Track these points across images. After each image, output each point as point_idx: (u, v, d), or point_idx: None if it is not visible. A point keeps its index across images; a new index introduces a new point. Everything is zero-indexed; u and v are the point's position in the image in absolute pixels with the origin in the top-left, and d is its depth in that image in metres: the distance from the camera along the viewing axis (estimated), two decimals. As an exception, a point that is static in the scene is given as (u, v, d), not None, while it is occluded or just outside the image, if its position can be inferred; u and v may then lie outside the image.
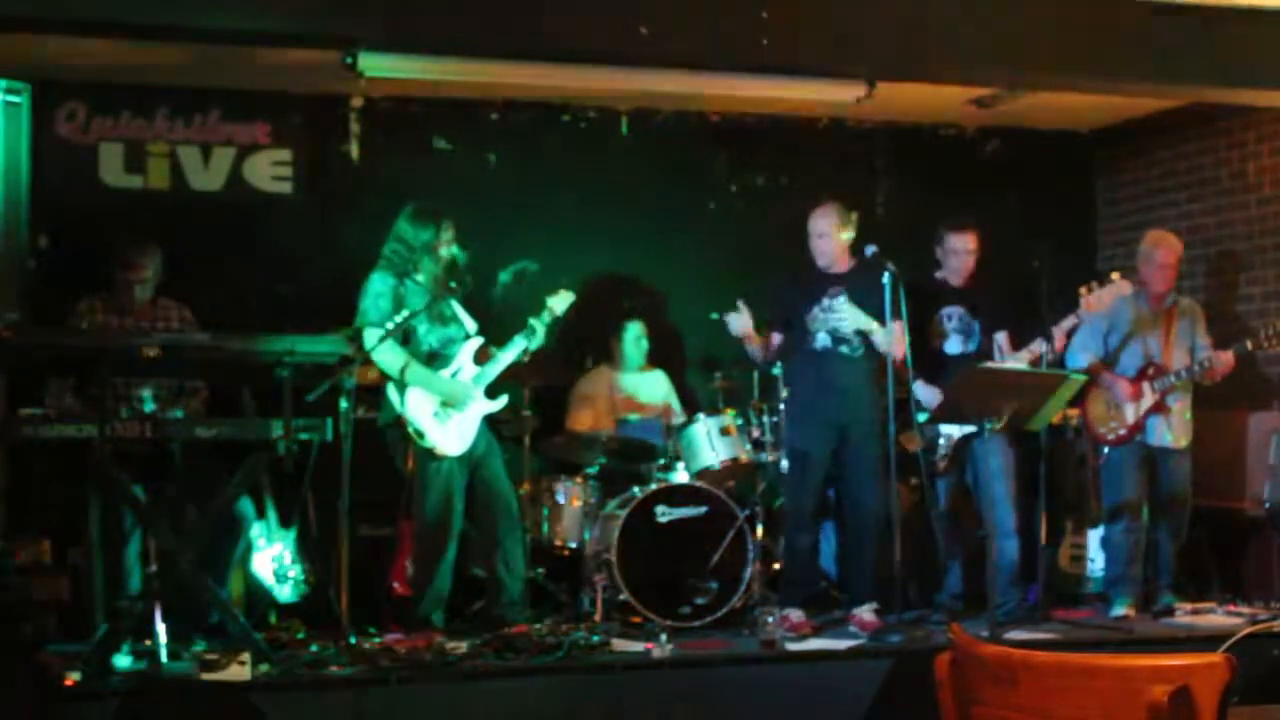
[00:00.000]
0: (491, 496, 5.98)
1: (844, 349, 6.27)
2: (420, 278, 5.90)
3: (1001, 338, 6.53)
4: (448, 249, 5.93)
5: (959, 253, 6.52)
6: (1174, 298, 6.71)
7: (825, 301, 6.27)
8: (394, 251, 5.91)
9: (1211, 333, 6.74)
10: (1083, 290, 6.22)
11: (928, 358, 6.35)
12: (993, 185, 8.12)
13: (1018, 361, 6.33)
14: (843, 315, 6.18)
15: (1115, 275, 6.30)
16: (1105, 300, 6.24)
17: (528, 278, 7.09)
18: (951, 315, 6.52)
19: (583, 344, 7.39)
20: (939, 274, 6.60)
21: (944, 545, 6.49)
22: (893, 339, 6.10)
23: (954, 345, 6.50)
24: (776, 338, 6.44)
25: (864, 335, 6.23)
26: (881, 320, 6.13)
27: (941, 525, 6.47)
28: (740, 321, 6.31)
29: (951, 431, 6.33)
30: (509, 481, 6.07)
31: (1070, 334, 6.44)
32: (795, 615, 6.12)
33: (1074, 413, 7.02)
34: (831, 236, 6.29)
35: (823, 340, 6.29)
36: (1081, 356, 6.58)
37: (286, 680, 5.05)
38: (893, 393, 6.10)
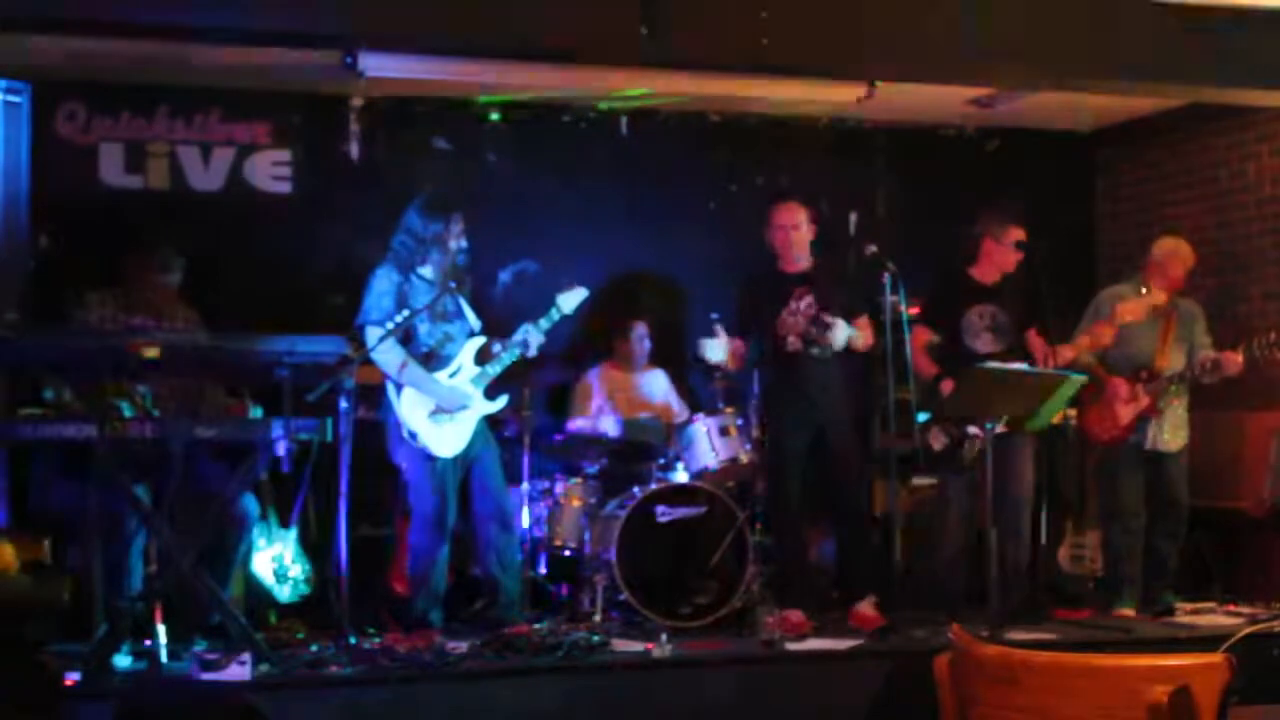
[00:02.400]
0: (487, 496, 5.97)
1: (814, 350, 6.27)
2: (426, 271, 5.88)
3: (1031, 335, 6.52)
4: (456, 242, 5.92)
5: (1016, 249, 6.48)
6: (1175, 300, 6.70)
7: (793, 304, 6.27)
8: (402, 244, 5.89)
9: (1211, 333, 6.73)
10: (1119, 301, 6.27)
11: (959, 356, 6.34)
12: (993, 185, 8.11)
13: (1056, 361, 6.31)
14: (838, 336, 6.17)
15: (1150, 286, 6.33)
16: (1139, 312, 6.28)
17: (528, 278, 7.10)
18: (984, 314, 6.49)
19: (583, 343, 7.38)
20: (971, 270, 6.57)
21: (957, 543, 6.49)
22: (862, 335, 6.13)
23: (986, 344, 6.47)
24: (739, 344, 6.43)
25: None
26: (850, 318, 6.13)
27: (959, 524, 6.45)
28: (720, 348, 6.29)
29: (977, 430, 6.29)
30: (505, 481, 6.07)
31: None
32: (795, 615, 6.12)
33: (1071, 413, 7.01)
34: (801, 231, 6.30)
35: (791, 343, 6.29)
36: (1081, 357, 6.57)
37: (286, 680, 5.05)
38: (894, 392, 6.09)
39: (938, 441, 6.33)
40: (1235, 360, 6.41)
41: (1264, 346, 6.35)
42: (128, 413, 5.47)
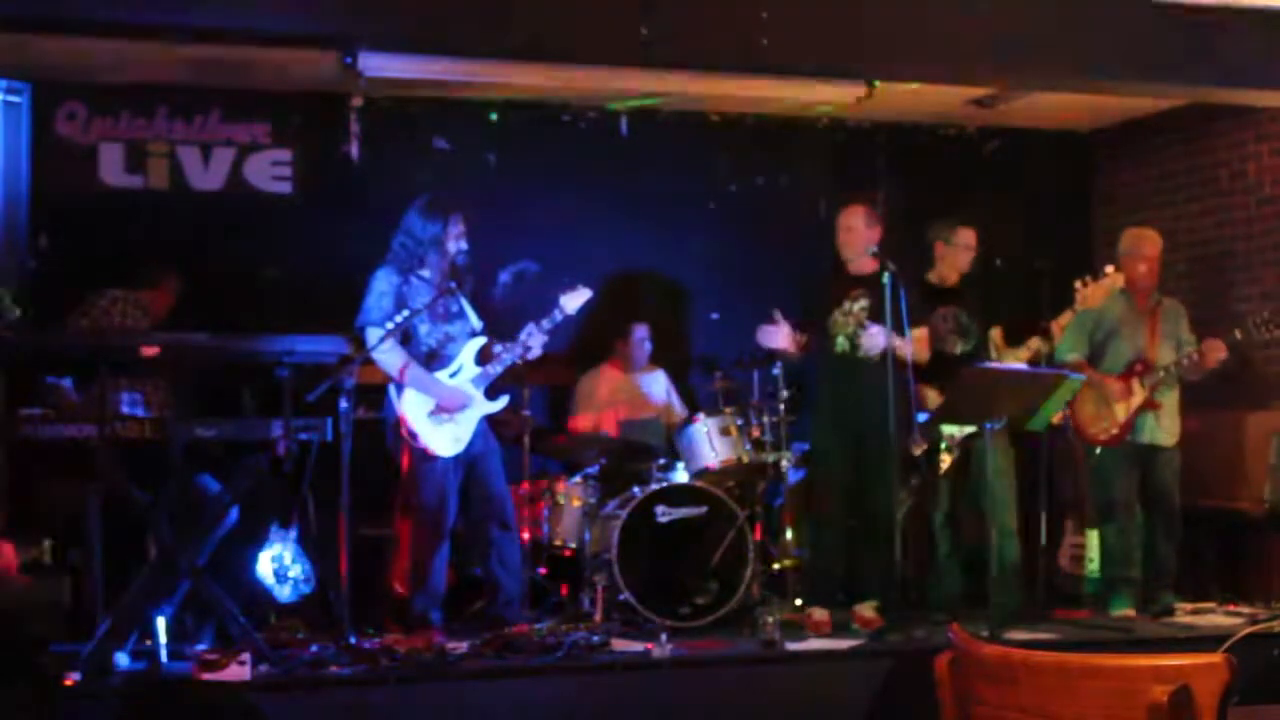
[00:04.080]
0: (487, 496, 5.97)
1: (859, 353, 6.26)
2: (426, 273, 5.89)
3: (995, 334, 6.53)
4: (455, 244, 5.92)
5: (968, 249, 6.51)
6: (1157, 296, 6.73)
7: (846, 305, 6.25)
8: (402, 245, 5.89)
9: (1207, 333, 6.74)
10: (1078, 284, 6.23)
11: (930, 359, 6.36)
12: (993, 185, 8.12)
13: (1014, 358, 6.33)
14: (876, 341, 6.14)
15: (1110, 269, 6.31)
16: (1099, 295, 6.26)
17: (528, 278, 7.09)
18: (946, 316, 6.51)
19: (584, 344, 7.38)
20: (930, 275, 6.59)
21: (945, 545, 6.51)
22: (916, 347, 6.07)
23: (952, 345, 6.48)
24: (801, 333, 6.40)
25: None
26: (899, 324, 6.09)
27: (943, 525, 6.48)
28: (779, 336, 6.22)
29: (954, 431, 6.32)
30: (505, 481, 6.07)
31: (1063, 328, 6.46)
32: (818, 613, 6.13)
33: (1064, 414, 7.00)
34: (858, 233, 6.27)
35: (840, 344, 6.28)
36: (1068, 356, 6.58)
37: (286, 680, 5.05)
38: (894, 395, 6.08)
39: (918, 446, 6.33)
40: (1216, 345, 6.44)
41: (1259, 325, 6.40)
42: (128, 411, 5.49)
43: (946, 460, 6.36)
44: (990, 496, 6.19)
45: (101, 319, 6.09)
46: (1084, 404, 6.65)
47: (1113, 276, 6.24)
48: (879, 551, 6.23)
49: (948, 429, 6.30)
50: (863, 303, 6.21)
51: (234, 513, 5.78)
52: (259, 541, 6.07)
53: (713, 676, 5.46)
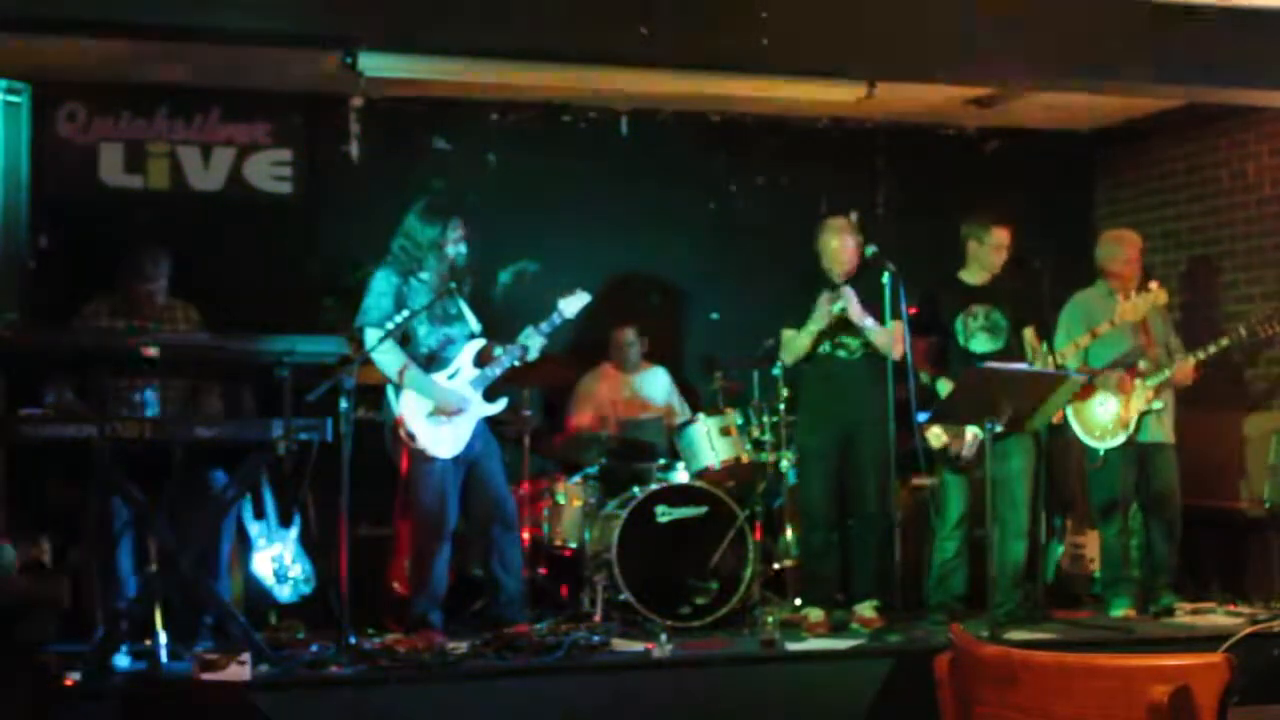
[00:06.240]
0: (487, 496, 5.97)
1: (842, 353, 6.28)
2: (425, 276, 5.89)
3: (1029, 334, 6.52)
4: (454, 247, 5.92)
5: (999, 248, 6.50)
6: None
7: (825, 308, 6.27)
8: (401, 248, 5.90)
9: (1204, 333, 6.76)
10: (1120, 298, 6.26)
11: (957, 357, 6.36)
12: (993, 185, 8.11)
13: (1059, 354, 6.33)
14: (846, 303, 6.16)
15: (1154, 284, 6.33)
16: (1141, 309, 6.29)
17: (528, 278, 7.09)
18: (976, 314, 6.50)
19: (584, 344, 7.37)
20: (961, 273, 6.59)
21: (955, 545, 6.49)
22: (892, 338, 6.10)
23: (980, 344, 6.47)
24: None
25: (864, 337, 6.22)
26: (880, 321, 6.13)
27: (957, 526, 6.46)
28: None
29: (977, 430, 6.30)
30: (505, 481, 6.06)
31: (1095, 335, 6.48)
32: (814, 615, 6.13)
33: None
34: (848, 250, 6.30)
35: (823, 346, 6.29)
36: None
37: (286, 680, 5.05)
38: (894, 392, 6.08)
39: (936, 440, 6.34)
40: (1188, 372, 6.50)
41: (1259, 322, 6.47)
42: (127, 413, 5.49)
43: (967, 459, 6.33)
44: (1007, 496, 6.19)
45: None
46: (1084, 407, 6.64)
47: (1156, 292, 6.29)
48: (875, 552, 6.25)
49: (972, 427, 6.28)
50: (847, 287, 6.21)
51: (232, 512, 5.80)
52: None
53: (713, 676, 5.46)
